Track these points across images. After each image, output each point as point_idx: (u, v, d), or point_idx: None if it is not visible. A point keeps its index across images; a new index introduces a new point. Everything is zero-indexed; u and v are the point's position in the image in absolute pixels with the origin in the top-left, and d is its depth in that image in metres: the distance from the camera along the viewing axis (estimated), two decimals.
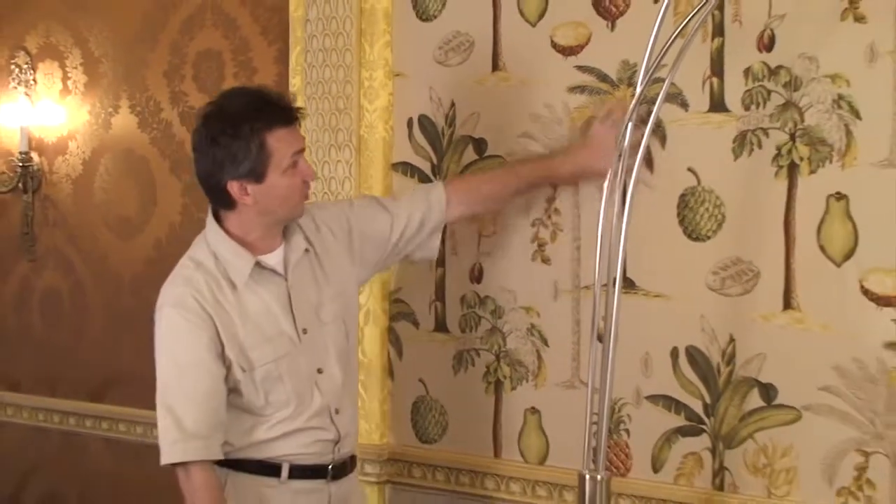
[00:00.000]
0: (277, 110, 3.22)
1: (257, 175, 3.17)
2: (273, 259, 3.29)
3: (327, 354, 3.34)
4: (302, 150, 3.28)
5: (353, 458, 3.43)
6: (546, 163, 3.60)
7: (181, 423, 3.16)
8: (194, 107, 4.40)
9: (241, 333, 3.21)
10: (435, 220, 3.53)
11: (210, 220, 3.31)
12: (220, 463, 3.24)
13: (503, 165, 3.69)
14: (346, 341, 3.41)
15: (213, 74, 4.38)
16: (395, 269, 3.94)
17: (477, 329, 3.81)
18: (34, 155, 4.90)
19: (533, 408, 3.71)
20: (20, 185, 4.93)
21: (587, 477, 3.02)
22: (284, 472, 3.28)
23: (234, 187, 3.18)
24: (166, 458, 3.16)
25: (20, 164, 4.90)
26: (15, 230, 5.02)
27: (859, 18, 3.13)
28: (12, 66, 4.96)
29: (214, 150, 3.19)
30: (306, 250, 3.35)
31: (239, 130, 3.16)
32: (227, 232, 3.27)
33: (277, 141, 3.18)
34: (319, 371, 3.31)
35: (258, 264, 3.25)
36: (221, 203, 3.26)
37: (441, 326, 3.89)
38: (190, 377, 3.19)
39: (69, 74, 4.82)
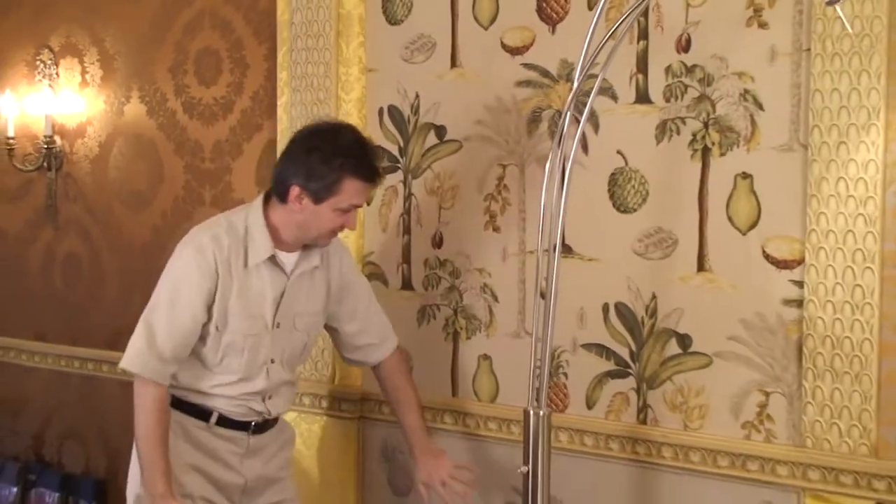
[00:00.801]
0: (368, 168, 3.21)
1: (317, 197, 3.17)
2: (286, 259, 3.30)
3: (284, 352, 3.37)
4: (360, 206, 3.29)
5: (273, 420, 3.46)
6: (413, 442, 3.56)
7: (153, 341, 3.20)
8: (195, 97, 4.42)
9: (231, 300, 3.23)
10: (370, 358, 3.60)
11: (259, 201, 3.31)
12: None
13: (408, 412, 3.58)
14: (302, 350, 3.46)
15: (212, 69, 4.37)
16: (368, 236, 3.97)
17: (438, 287, 3.82)
18: (57, 138, 4.88)
19: (485, 354, 3.72)
20: (45, 164, 4.91)
21: (531, 413, 3.04)
22: (213, 419, 3.34)
23: (295, 191, 3.18)
24: (127, 364, 3.23)
25: (45, 146, 4.88)
26: (40, 203, 5.00)
27: (762, 25, 3.15)
28: (38, 62, 4.93)
29: (305, 157, 3.18)
30: (316, 269, 3.36)
31: (332, 160, 3.15)
32: (266, 217, 3.26)
33: (350, 188, 3.18)
34: (272, 361, 3.34)
35: (273, 257, 3.26)
36: (279, 194, 3.24)
37: (407, 285, 3.89)
38: (178, 310, 3.21)
39: (87, 69, 4.80)
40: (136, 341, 3.23)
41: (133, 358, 3.21)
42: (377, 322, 3.57)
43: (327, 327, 3.55)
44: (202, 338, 3.26)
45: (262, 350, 3.30)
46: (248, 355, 3.28)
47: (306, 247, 3.32)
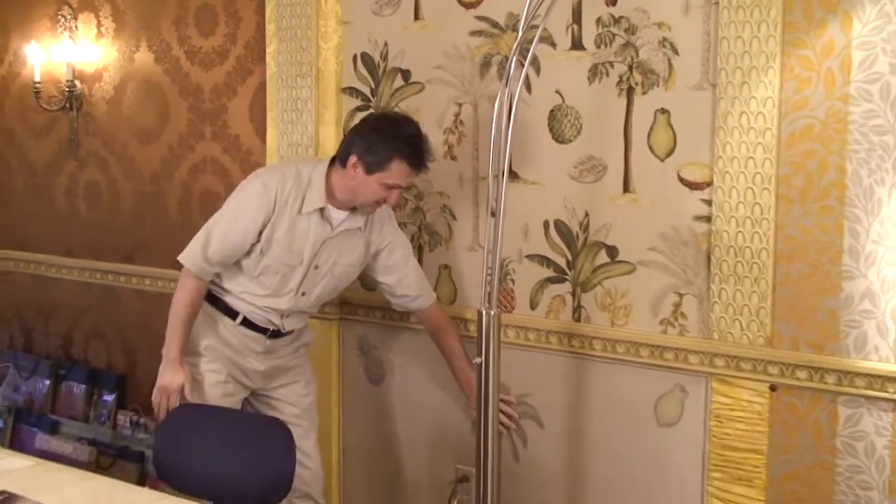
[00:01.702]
0: (417, 157, 3.25)
1: (369, 169, 3.21)
2: (335, 214, 3.35)
3: (315, 288, 3.43)
4: (403, 187, 3.31)
5: (281, 331, 3.51)
6: (463, 382, 3.54)
7: (207, 247, 3.31)
8: (195, 45, 4.38)
9: (279, 233, 3.29)
10: (410, 306, 3.61)
11: (326, 162, 3.37)
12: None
13: (455, 355, 3.55)
14: (332, 291, 3.53)
15: (209, 22, 4.32)
16: None
17: (404, 209, 3.80)
18: (77, 83, 4.82)
19: (445, 265, 3.73)
20: (67, 105, 4.85)
21: (484, 313, 3.07)
22: (238, 319, 3.43)
23: (353, 159, 3.24)
24: (181, 258, 3.36)
25: (67, 90, 4.83)
26: (64, 138, 4.96)
27: None
28: (59, 17, 4.86)
29: (370, 133, 3.25)
30: (359, 229, 3.40)
31: (391, 141, 3.21)
32: (328, 176, 3.32)
33: (398, 169, 3.23)
34: (303, 294, 3.41)
35: (323, 209, 3.31)
36: (341, 159, 3.30)
37: None
38: (234, 228, 3.30)
39: (102, 23, 4.73)
40: (194, 243, 3.34)
41: (188, 254, 3.33)
42: (414, 277, 3.57)
43: (368, 276, 3.62)
44: (248, 253, 3.34)
45: (292, 280, 3.38)
46: (279, 280, 3.36)
47: (355, 209, 3.36)
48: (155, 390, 3.36)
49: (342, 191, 3.31)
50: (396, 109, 3.75)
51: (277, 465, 2.97)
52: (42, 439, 4.85)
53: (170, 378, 3.31)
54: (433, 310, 3.61)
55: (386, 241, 3.52)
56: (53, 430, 4.87)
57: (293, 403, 3.57)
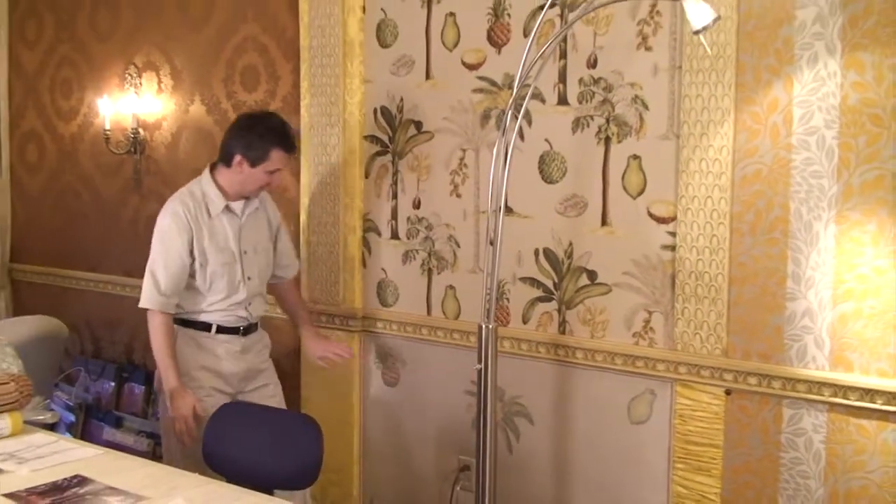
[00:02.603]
0: (290, 141, 3.35)
1: (253, 163, 3.29)
2: (236, 206, 3.40)
3: (255, 270, 3.45)
4: (281, 169, 3.37)
5: (255, 324, 3.54)
6: (304, 322, 3.71)
7: (158, 284, 3.30)
8: (241, 100, 4.38)
9: (205, 242, 3.32)
10: (280, 273, 3.67)
11: (207, 171, 3.41)
12: (175, 322, 3.37)
13: (296, 307, 3.75)
14: (266, 267, 3.55)
15: (252, 80, 4.33)
16: (367, 200, 3.95)
17: (417, 237, 3.81)
18: (140, 130, 4.84)
19: (451, 285, 3.73)
20: (132, 149, 4.86)
21: (483, 326, 3.08)
22: (213, 329, 3.42)
23: (237, 158, 3.30)
24: (143, 304, 3.33)
25: (132, 136, 4.84)
26: (129, 177, 4.97)
27: (648, 48, 3.17)
28: (126, 75, 4.88)
29: (244, 133, 3.32)
30: (257, 210, 3.46)
31: (265, 135, 3.30)
32: (215, 181, 3.36)
33: (277, 156, 3.32)
34: (249, 278, 3.42)
35: (227, 206, 3.36)
36: (225, 160, 3.34)
37: (395, 236, 3.89)
38: (169, 258, 3.30)
39: (162, 80, 4.76)
40: (145, 287, 3.33)
41: (145, 298, 3.32)
42: (290, 252, 3.69)
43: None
44: (192, 274, 3.34)
45: (237, 272, 3.39)
46: (227, 277, 3.38)
47: (248, 197, 3.41)
48: (175, 422, 3.27)
49: (232, 185, 3.35)
50: (409, 155, 3.78)
51: (308, 454, 2.99)
52: (108, 432, 4.86)
53: (179, 404, 3.24)
54: (293, 281, 3.74)
55: (277, 216, 3.59)
56: (118, 424, 4.87)
57: (266, 404, 3.53)
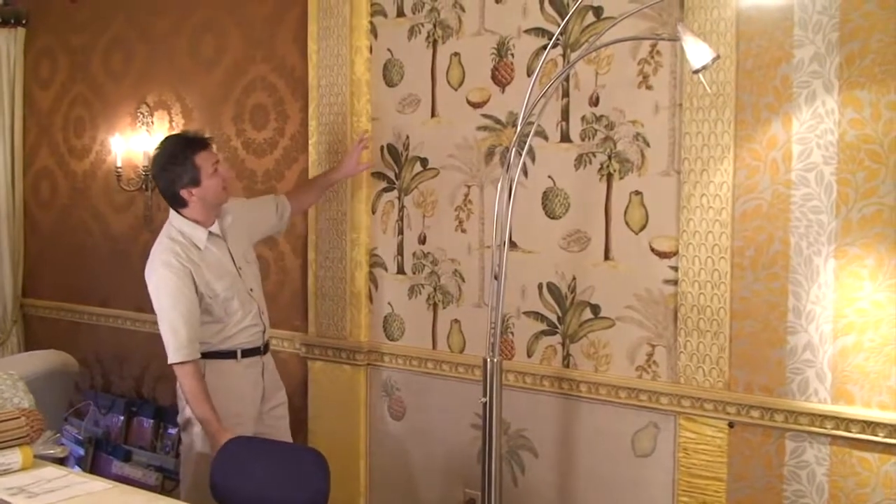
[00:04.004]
0: (196, 140, 3.33)
1: (194, 182, 3.29)
2: (215, 228, 3.39)
3: (253, 280, 3.46)
4: (218, 161, 3.37)
5: (268, 343, 3.53)
6: (328, 175, 3.79)
7: (179, 335, 3.24)
8: (250, 138, 4.41)
9: (206, 276, 3.30)
10: (286, 216, 3.72)
11: (172, 212, 3.38)
12: (202, 356, 3.32)
13: (310, 181, 3.87)
14: (258, 274, 3.56)
15: (262, 119, 4.37)
16: (373, 236, 3.95)
17: (422, 272, 3.82)
18: None
19: (456, 319, 3.73)
20: (143, 186, 4.90)
21: (488, 360, 3.06)
22: (239, 355, 3.39)
23: (183, 192, 3.29)
24: (171, 360, 3.26)
25: (143, 174, 4.88)
26: (140, 214, 5.00)
27: (649, 87, 3.20)
28: (138, 114, 4.93)
29: (166, 171, 3.31)
30: (231, 223, 3.45)
31: (177, 158, 3.28)
32: (185, 217, 3.34)
33: (200, 158, 3.29)
34: (251, 290, 3.43)
35: (210, 233, 3.35)
36: (176, 201, 3.33)
37: (401, 270, 3.89)
38: (181, 305, 3.25)
39: (173, 118, 4.80)
40: (168, 343, 3.27)
41: (172, 354, 3.26)
42: (269, 204, 3.70)
43: (267, 236, 3.79)
44: (206, 310, 3.31)
45: (242, 289, 3.39)
46: (236, 296, 3.37)
47: (219, 215, 3.41)
48: None
49: (203, 211, 3.34)
50: (415, 191, 3.80)
51: (315, 487, 2.97)
52: (117, 465, 4.85)
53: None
54: (291, 198, 3.76)
55: (241, 213, 3.53)
56: (126, 457, 4.86)
57: (280, 423, 3.55)
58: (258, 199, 3.80)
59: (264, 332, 3.47)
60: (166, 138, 3.48)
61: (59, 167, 5.45)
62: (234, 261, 3.40)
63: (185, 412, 3.40)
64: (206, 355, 3.35)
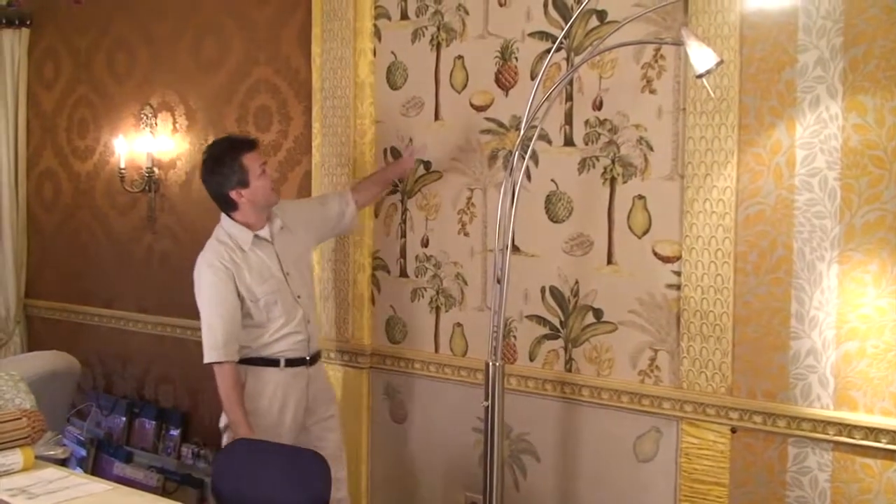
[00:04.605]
0: (243, 143, 3.36)
1: (243, 183, 3.29)
2: (263, 232, 3.37)
3: (302, 287, 3.42)
4: (265, 163, 3.38)
5: (319, 353, 3.50)
6: (385, 173, 3.76)
7: (216, 334, 3.24)
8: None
9: (248, 278, 3.29)
10: (348, 213, 3.64)
11: (223, 215, 3.38)
12: (242, 362, 3.30)
13: (369, 177, 3.78)
14: (311, 280, 3.54)
15: (265, 121, 4.37)
16: (376, 238, 3.95)
17: (425, 275, 3.82)
18: (155, 169, 4.88)
19: (458, 322, 3.73)
20: (147, 187, 4.91)
21: (490, 364, 3.07)
22: (282, 363, 3.36)
23: (233, 193, 3.30)
24: (207, 359, 3.26)
25: (147, 175, 4.89)
26: (143, 215, 5.01)
27: (652, 91, 3.20)
28: (142, 115, 4.93)
29: (215, 174, 3.32)
30: (282, 227, 3.42)
31: (224, 159, 3.30)
32: (234, 220, 3.34)
33: (248, 159, 3.30)
34: (298, 297, 3.38)
35: (256, 236, 3.34)
36: (227, 204, 3.34)
37: (403, 273, 3.89)
38: (221, 306, 3.26)
39: (177, 120, 4.81)
40: (206, 342, 3.27)
41: (209, 353, 3.26)
42: (333, 202, 3.64)
43: (335, 234, 3.76)
44: (247, 314, 3.30)
45: (288, 295, 3.35)
46: (281, 302, 3.33)
47: (269, 219, 3.39)
48: None
49: (253, 213, 3.34)
50: (418, 194, 3.80)
51: (316, 490, 2.96)
52: (119, 467, 4.85)
53: None
54: (355, 194, 3.69)
55: (298, 215, 3.52)
56: (128, 459, 4.86)
57: (328, 437, 3.51)
58: (315, 200, 3.75)
59: (309, 341, 3.42)
60: (212, 143, 3.48)
61: (63, 168, 5.46)
62: (281, 265, 3.37)
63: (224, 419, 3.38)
64: (248, 361, 3.34)
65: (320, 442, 3.44)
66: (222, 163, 3.30)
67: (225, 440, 3.39)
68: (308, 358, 3.41)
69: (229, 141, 3.42)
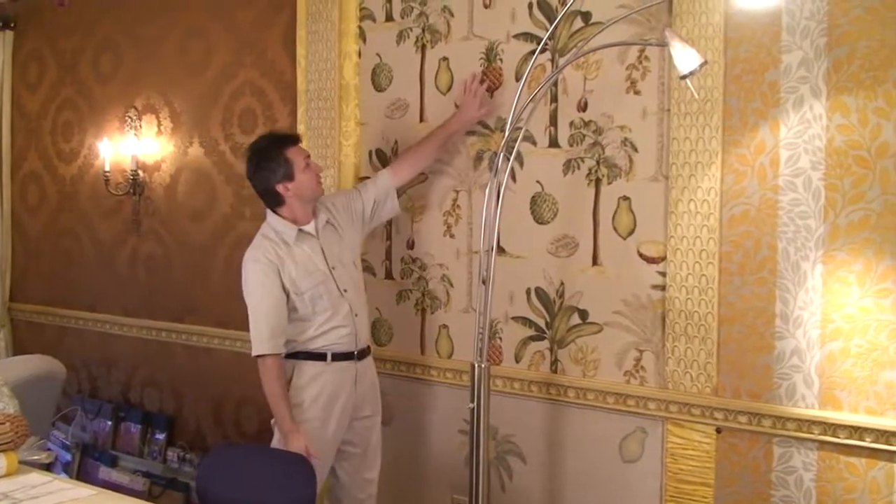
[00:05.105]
0: (287, 137, 3.37)
1: (289, 176, 3.28)
2: (309, 227, 3.36)
3: (348, 281, 3.39)
4: (309, 156, 3.37)
5: (368, 348, 3.46)
6: (444, 126, 3.57)
7: (261, 328, 3.25)
8: (238, 142, 4.39)
9: (293, 273, 3.28)
10: (390, 195, 3.58)
11: (269, 211, 3.38)
12: (289, 356, 3.30)
13: (422, 139, 3.60)
14: (358, 274, 3.48)
15: (250, 123, 4.36)
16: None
17: (410, 277, 3.81)
18: (140, 172, 4.85)
19: (444, 324, 3.73)
20: (131, 190, 4.88)
21: (476, 365, 3.08)
22: (329, 357, 3.33)
23: (279, 187, 3.29)
24: (255, 352, 3.26)
25: (131, 178, 4.86)
26: (128, 218, 4.98)
27: (637, 92, 3.19)
28: (126, 118, 4.91)
29: (261, 169, 3.32)
30: (328, 221, 3.41)
31: (269, 153, 3.30)
32: (280, 216, 3.33)
33: (292, 153, 3.30)
34: (345, 291, 3.36)
35: (300, 230, 3.33)
36: (273, 198, 3.34)
37: (389, 275, 3.88)
38: (267, 301, 3.26)
39: (161, 123, 4.79)
40: (253, 336, 3.27)
41: (256, 346, 3.26)
42: (371, 188, 3.57)
43: (381, 218, 3.63)
44: (293, 308, 3.29)
45: (333, 289, 3.33)
46: (326, 295, 3.31)
47: (314, 214, 3.38)
48: None
49: (298, 207, 3.33)
50: (403, 196, 3.78)
51: (302, 494, 2.95)
52: (104, 471, 4.82)
53: (295, 446, 3.17)
54: (395, 167, 3.60)
55: (345, 205, 3.50)
56: (114, 463, 4.84)
57: (368, 435, 3.49)
58: (355, 190, 3.63)
59: (356, 335, 3.39)
60: (255, 141, 3.46)
61: (47, 171, 5.42)
62: (326, 260, 3.35)
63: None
64: (295, 355, 3.33)
65: (362, 440, 3.46)
66: (269, 157, 3.30)
67: (276, 434, 3.36)
68: (356, 352, 3.38)
69: (271, 136, 3.42)
